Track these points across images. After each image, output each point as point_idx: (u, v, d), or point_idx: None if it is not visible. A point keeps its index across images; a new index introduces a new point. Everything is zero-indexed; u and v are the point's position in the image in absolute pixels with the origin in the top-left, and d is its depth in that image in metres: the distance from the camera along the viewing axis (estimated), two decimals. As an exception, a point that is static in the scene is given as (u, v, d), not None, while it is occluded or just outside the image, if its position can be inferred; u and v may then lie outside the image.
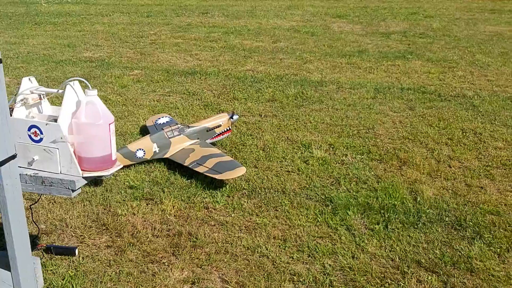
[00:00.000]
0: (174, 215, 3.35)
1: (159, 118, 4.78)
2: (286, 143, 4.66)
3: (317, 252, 2.94)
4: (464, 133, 4.89)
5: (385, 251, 2.96)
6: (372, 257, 2.91)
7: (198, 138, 4.29)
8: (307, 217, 3.35)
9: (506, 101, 5.87)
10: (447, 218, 3.33)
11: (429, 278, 2.71)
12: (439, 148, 4.54)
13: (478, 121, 5.22)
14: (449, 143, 4.65)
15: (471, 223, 3.25)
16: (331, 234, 3.14)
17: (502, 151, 4.45)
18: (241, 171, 3.73)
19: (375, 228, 3.21)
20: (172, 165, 4.09)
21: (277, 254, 2.92)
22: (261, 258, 2.88)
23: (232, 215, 3.36)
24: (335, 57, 8.37)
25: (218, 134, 4.46)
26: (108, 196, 3.58)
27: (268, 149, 4.49)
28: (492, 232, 3.16)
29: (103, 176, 2.22)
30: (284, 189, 3.73)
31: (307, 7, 15.20)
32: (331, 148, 4.54)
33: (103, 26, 11.85)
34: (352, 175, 3.98)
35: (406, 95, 6.19)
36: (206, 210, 3.44)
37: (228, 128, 4.53)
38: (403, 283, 2.68)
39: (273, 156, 4.34)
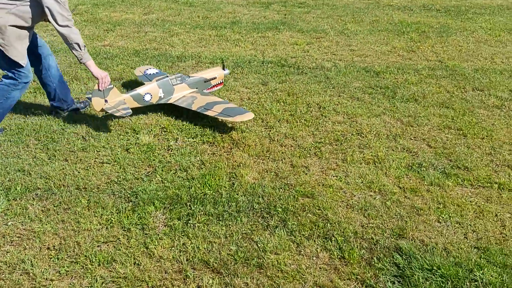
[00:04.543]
0: None
1: (148, 69, 5.04)
2: (113, 128, 4.18)
3: (93, 262, 2.55)
4: (309, 108, 4.71)
5: (175, 252, 2.64)
6: (157, 261, 2.58)
7: (196, 88, 4.62)
8: (100, 218, 2.94)
9: (361, 71, 5.81)
10: (257, 205, 3.09)
11: (211, 281, 2.44)
12: (278, 125, 4.31)
13: (327, 94, 5.08)
14: (290, 119, 4.44)
15: (280, 210, 3.03)
16: (120, 237, 2.77)
17: (339, 125, 4.31)
18: (250, 115, 4.08)
19: (175, 224, 2.88)
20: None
21: (43, 270, 2.49)
22: (20, 277, 2.44)
23: (9, 223, 2.87)
24: (206, 29, 7.92)
25: (213, 86, 4.80)
26: None
27: (90, 137, 3.99)
28: (299, 218, 2.96)
29: None
30: (87, 185, 3.28)
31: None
32: (162, 132, 4.14)
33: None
34: (174, 163, 3.62)
35: (264, 69, 5.92)
36: (-20, 219, 2.91)
37: (221, 81, 4.86)
38: (180, 291, 2.39)
39: (92, 145, 3.86)
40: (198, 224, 2.88)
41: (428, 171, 3.52)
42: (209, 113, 4.16)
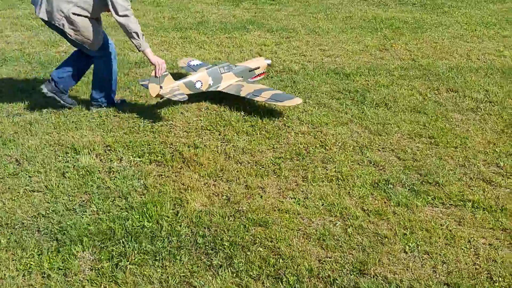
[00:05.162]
0: None
1: (191, 61, 5.22)
2: (53, 148, 3.76)
3: (-3, 322, 2.18)
4: (271, 117, 4.34)
5: (98, 305, 2.28)
6: (74, 318, 2.21)
7: (242, 77, 4.75)
8: (19, 262, 2.54)
9: (330, 74, 5.46)
10: (202, 239, 2.71)
11: None
12: (237, 138, 3.94)
13: (292, 100, 4.72)
14: (250, 131, 4.07)
15: (227, 244, 2.66)
16: (37, 286, 2.38)
17: (303, 137, 3.95)
18: (298, 101, 4.28)
19: (103, 267, 2.50)
20: None
21: None
22: None
23: None
24: (170, 31, 7.50)
25: (257, 75, 4.95)
26: None
27: (24, 160, 3.58)
28: (247, 253, 2.59)
29: None
30: (10, 221, 2.87)
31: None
32: (106, 151, 3.74)
33: None
34: (113, 188, 3.23)
35: (228, 73, 5.54)
36: None
37: (263, 71, 5.05)
38: None
39: (25, 169, 3.44)
40: (130, 266, 2.50)
41: (395, 188, 3.19)
42: (258, 99, 4.36)
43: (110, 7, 3.88)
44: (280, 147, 3.81)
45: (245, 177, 3.36)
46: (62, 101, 4.35)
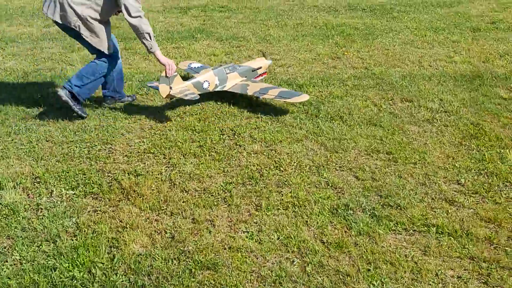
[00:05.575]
0: None
1: (191, 63, 5.34)
2: (-29, 184, 3.30)
3: None
4: (221, 136, 4.03)
5: None
6: None
7: (246, 77, 4.84)
8: None
9: (283, 85, 5.19)
10: (141, 290, 2.38)
11: None
12: (183, 162, 3.60)
13: (244, 116, 4.41)
14: (198, 152, 3.75)
15: (170, 294, 2.34)
16: None
17: (256, 157, 3.67)
18: (305, 97, 4.42)
19: (21, 335, 2.11)
20: None
21: None
22: None
23: None
24: (113, 42, 7.05)
25: (259, 75, 5.04)
26: None
27: None
28: (194, 305, 2.28)
29: None
30: None
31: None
32: (34, 184, 3.31)
33: None
34: (40, 230, 2.82)
35: (174, 87, 5.18)
36: None
37: (265, 71, 5.15)
38: None
39: None
40: (55, 331, 2.13)
41: (355, 214, 2.95)
42: (266, 96, 4.49)
43: (123, 8, 3.92)
44: (231, 170, 3.50)
45: (192, 209, 3.03)
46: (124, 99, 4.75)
